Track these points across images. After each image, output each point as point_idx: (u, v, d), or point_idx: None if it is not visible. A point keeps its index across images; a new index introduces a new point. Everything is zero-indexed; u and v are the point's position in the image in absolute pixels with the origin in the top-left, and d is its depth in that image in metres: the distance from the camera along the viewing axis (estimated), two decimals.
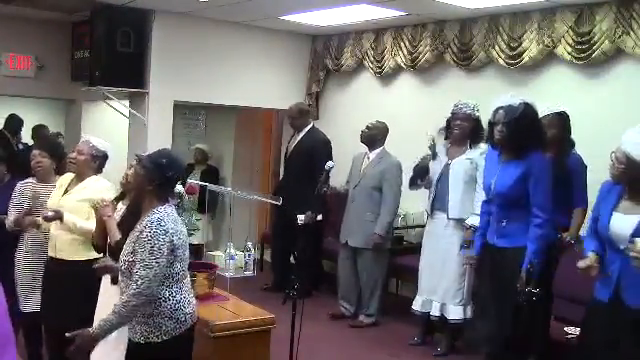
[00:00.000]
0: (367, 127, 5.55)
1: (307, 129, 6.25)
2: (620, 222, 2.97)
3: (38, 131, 8.04)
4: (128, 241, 2.71)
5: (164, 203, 2.73)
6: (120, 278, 2.72)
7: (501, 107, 3.64)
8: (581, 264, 3.07)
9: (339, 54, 7.14)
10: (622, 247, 2.88)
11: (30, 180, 4.06)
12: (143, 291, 2.56)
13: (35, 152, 4.05)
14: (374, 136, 5.50)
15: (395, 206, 5.45)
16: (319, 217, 5.51)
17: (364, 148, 5.60)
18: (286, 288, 3.66)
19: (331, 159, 5.91)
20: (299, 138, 6.26)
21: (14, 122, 7.76)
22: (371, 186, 5.40)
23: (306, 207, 5.46)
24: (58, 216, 3.61)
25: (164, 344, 2.65)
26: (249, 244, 4.49)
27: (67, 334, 2.54)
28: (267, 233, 7.67)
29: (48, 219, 3.64)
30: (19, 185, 4.05)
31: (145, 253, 2.57)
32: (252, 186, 7.85)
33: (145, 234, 2.59)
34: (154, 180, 2.69)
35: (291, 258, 5.48)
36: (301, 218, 5.61)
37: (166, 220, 2.63)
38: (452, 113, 4.76)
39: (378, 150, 5.50)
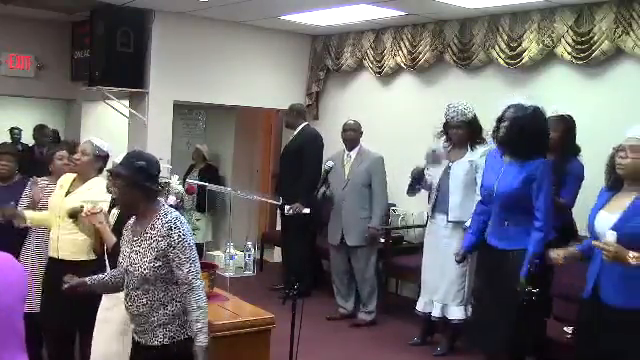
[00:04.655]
0: (350, 131, 5.58)
1: (300, 127, 6.32)
2: (603, 220, 3.01)
3: (40, 131, 8.09)
4: (141, 249, 2.65)
5: (158, 201, 2.73)
6: (134, 285, 2.67)
7: (512, 105, 3.66)
8: (552, 254, 3.30)
9: (339, 54, 7.14)
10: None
11: (45, 179, 4.14)
12: (202, 283, 2.67)
13: (63, 153, 4.14)
14: (357, 138, 5.61)
15: (386, 199, 5.58)
16: (305, 210, 5.66)
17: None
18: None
19: (322, 153, 6.05)
20: (293, 136, 6.37)
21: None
22: (360, 184, 5.48)
23: (295, 200, 5.75)
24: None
25: (189, 339, 2.69)
26: (249, 244, 4.49)
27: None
28: (267, 233, 7.68)
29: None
30: (30, 183, 4.16)
31: (186, 251, 2.63)
32: (252, 186, 7.85)
33: (176, 236, 2.61)
34: (140, 183, 2.62)
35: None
36: (287, 208, 5.81)
37: (182, 219, 2.69)
38: (446, 120, 4.76)
39: (357, 148, 5.59)
